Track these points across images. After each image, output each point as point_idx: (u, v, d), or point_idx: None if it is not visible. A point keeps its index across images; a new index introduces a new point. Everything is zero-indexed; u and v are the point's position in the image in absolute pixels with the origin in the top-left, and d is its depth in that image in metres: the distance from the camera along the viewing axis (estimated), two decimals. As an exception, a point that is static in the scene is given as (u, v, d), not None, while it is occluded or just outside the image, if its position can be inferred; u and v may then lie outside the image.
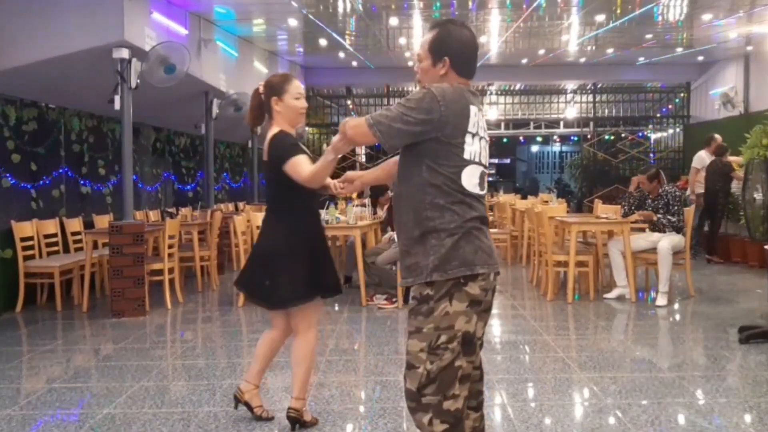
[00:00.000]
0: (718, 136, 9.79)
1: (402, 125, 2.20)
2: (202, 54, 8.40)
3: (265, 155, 3.28)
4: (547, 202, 11.30)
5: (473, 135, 2.27)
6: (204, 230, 8.18)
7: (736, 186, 8.90)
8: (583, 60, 13.22)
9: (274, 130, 3.27)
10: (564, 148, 24.91)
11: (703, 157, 9.70)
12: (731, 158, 9.50)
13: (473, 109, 2.28)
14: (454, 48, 2.33)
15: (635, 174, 8.06)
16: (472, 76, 2.38)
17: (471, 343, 2.31)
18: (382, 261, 6.62)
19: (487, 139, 2.38)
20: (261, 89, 3.37)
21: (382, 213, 8.48)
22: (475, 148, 2.28)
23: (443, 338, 2.22)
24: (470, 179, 2.27)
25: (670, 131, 16.10)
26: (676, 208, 6.70)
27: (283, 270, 3.21)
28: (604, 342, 5.34)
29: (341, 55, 12.14)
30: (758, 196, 5.42)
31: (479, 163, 2.30)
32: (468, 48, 2.38)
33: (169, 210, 9.03)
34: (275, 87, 3.31)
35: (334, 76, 14.44)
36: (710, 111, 13.48)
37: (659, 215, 6.74)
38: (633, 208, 7.01)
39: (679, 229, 6.73)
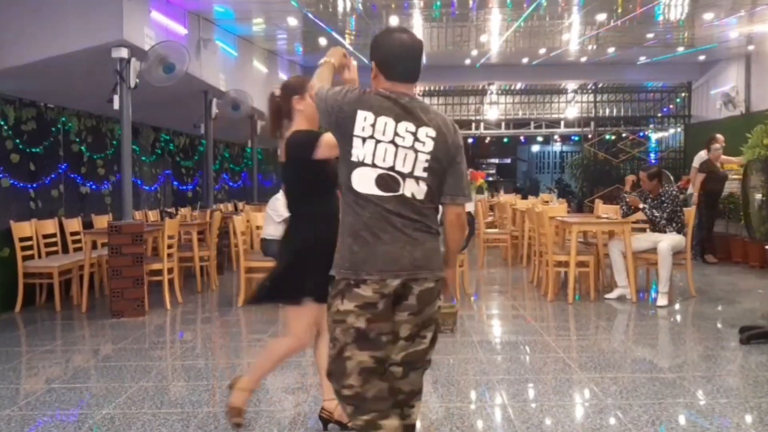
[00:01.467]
0: (719, 136, 9.74)
1: (322, 108, 2.47)
2: (201, 53, 8.38)
3: (282, 157, 3.18)
4: (547, 202, 11.29)
5: (364, 138, 2.36)
6: (203, 230, 8.16)
7: (736, 187, 8.88)
8: (584, 59, 13.20)
9: (291, 130, 3.20)
10: (565, 148, 24.90)
11: (702, 157, 9.68)
12: (725, 158, 9.49)
13: (364, 114, 2.37)
14: (380, 52, 2.46)
15: (636, 174, 8.04)
16: (405, 78, 2.44)
17: (367, 339, 2.39)
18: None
19: (404, 144, 2.36)
20: (277, 92, 3.32)
21: None
22: (364, 151, 2.36)
23: (338, 330, 2.42)
24: (362, 181, 2.38)
25: (671, 131, 16.09)
26: (669, 208, 6.68)
27: (311, 266, 3.05)
28: (604, 342, 5.32)
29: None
30: (758, 196, 5.40)
31: (373, 165, 2.36)
32: (393, 51, 2.44)
33: (169, 210, 9.03)
34: (295, 87, 3.25)
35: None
36: (711, 111, 13.46)
37: (657, 214, 6.73)
38: (632, 208, 6.99)
39: (679, 230, 6.72)
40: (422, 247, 2.40)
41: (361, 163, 2.38)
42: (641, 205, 6.81)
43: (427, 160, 2.37)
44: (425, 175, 2.38)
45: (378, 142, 2.36)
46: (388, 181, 2.37)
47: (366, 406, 2.40)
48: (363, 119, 2.37)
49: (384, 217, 2.37)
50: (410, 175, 2.37)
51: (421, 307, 2.43)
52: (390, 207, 2.37)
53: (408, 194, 2.37)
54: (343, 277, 2.40)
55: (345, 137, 2.40)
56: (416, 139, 2.37)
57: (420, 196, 2.39)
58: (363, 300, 2.36)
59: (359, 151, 2.37)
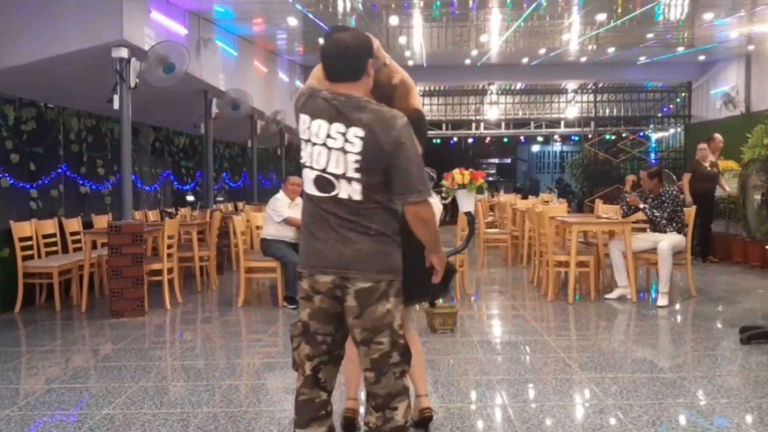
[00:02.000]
0: (717, 136, 9.72)
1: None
2: (201, 53, 8.37)
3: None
4: (547, 202, 11.28)
5: (305, 141, 2.46)
6: (203, 230, 8.16)
7: (736, 187, 8.85)
8: (584, 59, 13.19)
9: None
10: (565, 148, 24.90)
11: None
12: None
13: (303, 117, 2.46)
14: (320, 54, 2.52)
15: (636, 174, 8.04)
16: (338, 78, 2.46)
17: (308, 333, 2.51)
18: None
19: (335, 146, 2.39)
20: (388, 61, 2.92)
21: None
22: (306, 153, 2.46)
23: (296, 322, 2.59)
24: (306, 182, 2.49)
25: (672, 131, 16.09)
26: (670, 208, 6.68)
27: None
28: (605, 342, 5.32)
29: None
30: (758, 196, 5.39)
31: (311, 168, 2.45)
32: (326, 52, 2.49)
33: (168, 210, 9.02)
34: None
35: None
36: (712, 111, 13.45)
37: (657, 214, 6.72)
38: (632, 208, 6.98)
39: (679, 230, 6.72)
40: (354, 246, 2.41)
41: (305, 165, 2.48)
42: (641, 205, 6.80)
43: (357, 161, 2.37)
44: (358, 175, 2.38)
45: (314, 144, 2.43)
46: (323, 182, 2.43)
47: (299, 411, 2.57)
48: (303, 122, 2.47)
49: (321, 216, 2.45)
50: (343, 176, 2.39)
51: (361, 309, 2.43)
52: (326, 207, 2.43)
53: (344, 195, 2.41)
54: (299, 270, 2.56)
55: (299, 137, 2.54)
56: (346, 140, 2.38)
57: (357, 196, 2.40)
58: (304, 292, 2.51)
59: (303, 152, 2.48)
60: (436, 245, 2.60)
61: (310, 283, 2.48)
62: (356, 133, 2.36)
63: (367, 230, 2.42)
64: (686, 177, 9.42)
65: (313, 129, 2.43)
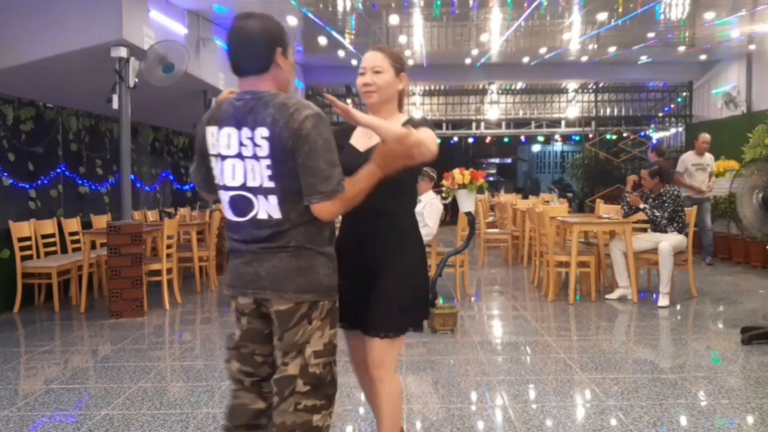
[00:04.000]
0: (702, 135, 9.31)
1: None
2: (200, 53, 8.36)
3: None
4: (548, 202, 11.26)
5: (215, 157, 2.15)
6: (202, 230, 8.14)
7: (737, 187, 8.78)
8: (584, 59, 13.18)
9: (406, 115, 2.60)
10: (565, 148, 24.85)
11: (684, 159, 9.33)
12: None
13: (211, 129, 2.14)
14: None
15: (638, 174, 7.99)
16: (239, 72, 2.14)
17: (241, 352, 2.26)
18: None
19: (248, 154, 2.07)
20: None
21: None
22: (217, 171, 2.15)
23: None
24: (224, 205, 2.20)
25: (673, 131, 16.06)
26: (671, 208, 6.66)
27: (425, 283, 2.58)
28: (605, 343, 5.30)
29: (341, 53, 12.10)
30: (758, 196, 5.37)
31: (225, 187, 2.14)
32: (229, 43, 2.14)
33: (168, 210, 9.01)
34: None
35: (333, 75, 14.39)
36: (713, 110, 13.44)
37: (658, 214, 6.70)
38: (633, 208, 6.97)
39: (680, 230, 6.70)
40: (268, 264, 2.11)
41: (218, 185, 2.18)
42: (642, 205, 6.78)
43: (268, 166, 2.05)
44: (272, 184, 2.07)
45: (224, 158, 2.11)
46: (240, 203, 2.12)
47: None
48: (210, 135, 2.15)
49: (242, 240, 2.17)
50: (260, 189, 2.08)
51: (281, 333, 2.13)
52: (242, 236, 2.15)
53: (263, 216, 2.10)
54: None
55: (206, 160, 2.20)
56: (255, 145, 2.05)
57: (276, 214, 2.08)
58: (234, 312, 2.29)
59: (215, 171, 2.18)
60: (374, 179, 2.15)
61: (235, 304, 2.24)
62: (262, 133, 2.03)
63: (285, 247, 2.10)
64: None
65: (221, 140, 2.10)
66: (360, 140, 2.50)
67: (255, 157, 2.06)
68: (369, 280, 2.43)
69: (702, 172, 9.13)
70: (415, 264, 2.50)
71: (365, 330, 2.47)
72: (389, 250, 2.44)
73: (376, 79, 2.45)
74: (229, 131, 2.09)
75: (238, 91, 2.17)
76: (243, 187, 2.10)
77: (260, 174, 2.07)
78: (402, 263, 2.46)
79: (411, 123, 2.43)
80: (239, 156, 2.08)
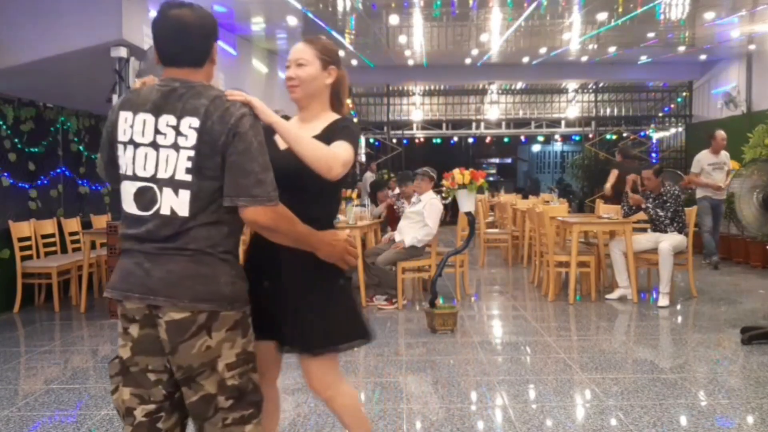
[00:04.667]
0: (719, 132, 9.23)
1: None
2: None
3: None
4: (548, 202, 11.25)
5: (124, 144, 1.97)
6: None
7: (737, 187, 8.74)
8: (584, 59, 13.18)
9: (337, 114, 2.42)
10: (565, 148, 24.86)
11: (699, 159, 9.02)
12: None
13: (124, 115, 1.98)
14: (152, 31, 2.01)
15: (638, 174, 7.97)
16: (169, 62, 2.00)
17: (130, 373, 1.97)
18: (382, 261, 6.58)
19: (165, 143, 1.93)
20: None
21: (382, 208, 8.45)
22: (126, 160, 1.97)
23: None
24: (126, 197, 1.99)
25: (673, 130, 16.06)
26: (673, 207, 6.66)
27: (349, 301, 2.39)
28: (605, 343, 5.30)
29: (341, 54, 12.10)
30: (758, 196, 5.36)
31: (133, 177, 1.96)
32: (156, 32, 2.00)
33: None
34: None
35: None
36: (713, 110, 13.44)
37: (661, 213, 6.70)
38: (633, 207, 6.95)
39: (680, 230, 6.70)
40: (164, 268, 1.92)
41: (124, 175, 1.99)
42: (644, 205, 6.77)
43: (189, 158, 1.90)
44: (188, 178, 1.91)
45: (137, 146, 1.95)
46: (146, 195, 1.95)
47: None
48: (124, 120, 1.98)
49: (136, 237, 1.96)
50: (170, 181, 1.92)
51: (173, 345, 1.91)
52: (140, 233, 1.95)
53: (166, 211, 1.92)
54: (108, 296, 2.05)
55: (113, 148, 2.03)
56: (178, 133, 1.91)
57: (183, 211, 1.92)
58: (121, 322, 2.00)
59: (122, 160, 1.99)
60: (307, 241, 2.09)
61: (122, 310, 1.98)
62: (191, 123, 1.90)
63: (183, 249, 1.92)
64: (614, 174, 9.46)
65: (136, 126, 1.94)
66: None
67: (175, 146, 1.91)
68: (289, 295, 2.25)
69: (719, 171, 8.81)
70: (335, 276, 2.28)
71: (291, 348, 2.30)
72: (307, 263, 2.20)
73: (299, 72, 2.33)
74: (145, 117, 1.95)
75: (158, 79, 2.03)
76: (152, 178, 1.94)
77: (175, 165, 1.92)
78: (322, 275, 2.25)
79: (333, 126, 2.28)
80: (153, 144, 1.93)
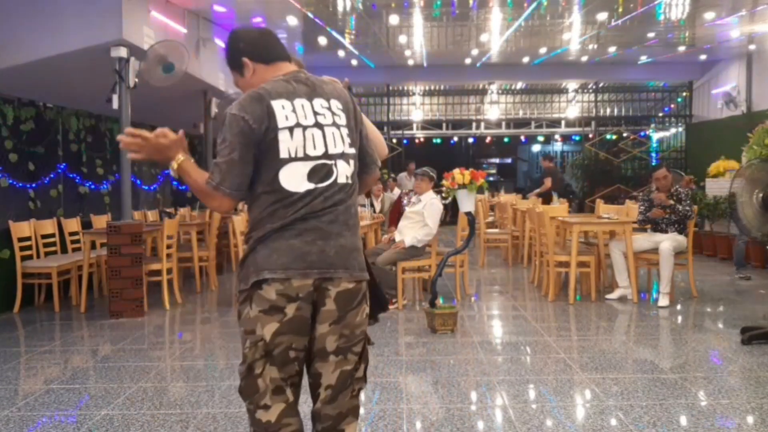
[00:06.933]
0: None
1: (236, 158, 2.07)
2: (200, 53, 8.36)
3: None
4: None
5: (290, 129, 2.09)
6: (202, 230, 8.14)
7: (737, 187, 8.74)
8: (584, 59, 13.18)
9: None
10: (565, 148, 24.86)
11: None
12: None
13: (280, 102, 2.10)
14: (246, 46, 2.23)
15: (638, 174, 7.97)
16: (284, 57, 2.25)
17: (271, 355, 2.08)
18: (382, 261, 6.58)
19: (331, 122, 2.16)
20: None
21: (377, 204, 8.46)
22: (296, 142, 2.09)
23: (248, 342, 2.11)
24: (291, 179, 2.08)
25: (673, 130, 16.07)
26: (687, 203, 6.67)
27: None
28: (605, 343, 5.30)
29: (341, 54, 12.11)
30: (758, 196, 5.36)
31: (305, 158, 2.10)
32: (259, 37, 2.26)
33: (168, 210, 9.01)
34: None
35: (333, 75, 14.21)
36: (713, 110, 13.44)
37: (681, 209, 6.63)
38: (657, 206, 6.79)
39: (680, 230, 6.70)
40: (336, 243, 2.11)
41: (293, 158, 2.09)
42: (671, 202, 6.68)
43: (348, 134, 2.20)
44: (352, 150, 2.21)
45: (305, 128, 2.11)
46: (321, 170, 2.12)
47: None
48: (282, 109, 2.10)
49: (308, 212, 2.09)
50: (342, 155, 2.17)
51: (342, 314, 2.11)
52: (326, 199, 2.11)
53: (342, 180, 2.15)
54: (252, 281, 2.10)
55: (270, 136, 2.09)
56: (333, 113, 2.18)
57: (350, 179, 2.19)
58: (268, 303, 2.06)
59: (288, 144, 2.09)
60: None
61: (283, 290, 2.06)
62: (338, 105, 2.20)
63: (347, 222, 2.16)
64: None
65: (298, 111, 2.12)
66: None
67: (335, 125, 2.18)
68: None
69: None
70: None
71: None
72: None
73: None
74: (302, 102, 2.15)
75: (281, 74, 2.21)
76: (325, 155, 2.13)
77: (342, 140, 2.18)
78: None
79: None
80: (317, 125, 2.14)
